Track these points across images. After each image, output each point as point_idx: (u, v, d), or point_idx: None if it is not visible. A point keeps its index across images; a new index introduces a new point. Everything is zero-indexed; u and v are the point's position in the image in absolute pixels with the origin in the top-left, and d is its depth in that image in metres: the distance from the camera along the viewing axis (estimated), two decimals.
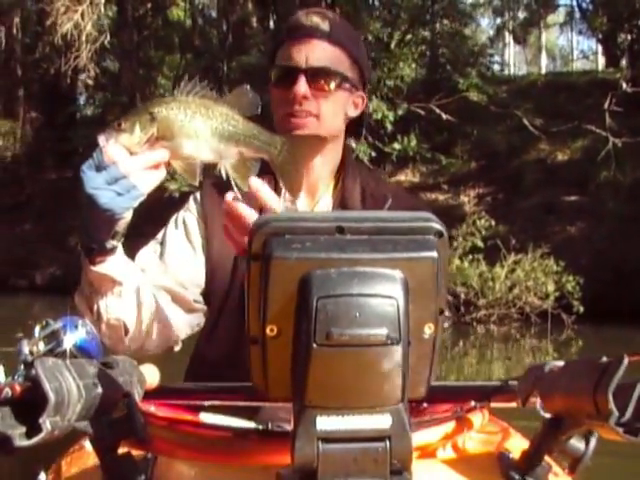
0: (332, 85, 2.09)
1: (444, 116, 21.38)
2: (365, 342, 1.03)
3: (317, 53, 2.09)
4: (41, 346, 1.37)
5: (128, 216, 1.69)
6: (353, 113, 2.21)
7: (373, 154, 21.16)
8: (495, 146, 22.36)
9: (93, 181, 1.59)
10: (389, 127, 20.93)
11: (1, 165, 27.31)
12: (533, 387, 1.38)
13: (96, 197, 1.59)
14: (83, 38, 20.24)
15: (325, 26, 2.11)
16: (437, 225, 1.10)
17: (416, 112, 21.74)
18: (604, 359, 1.18)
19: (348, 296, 1.03)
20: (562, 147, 22.91)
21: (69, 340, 1.39)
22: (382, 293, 1.04)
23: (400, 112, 21.28)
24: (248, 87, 1.72)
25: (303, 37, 2.10)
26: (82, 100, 31.47)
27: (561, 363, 1.36)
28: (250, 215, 1.59)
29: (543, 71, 35.91)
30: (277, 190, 2.05)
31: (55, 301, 11.17)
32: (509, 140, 22.50)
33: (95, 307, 1.84)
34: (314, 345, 1.02)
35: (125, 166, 1.59)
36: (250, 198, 1.64)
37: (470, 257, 16.69)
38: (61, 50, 21.75)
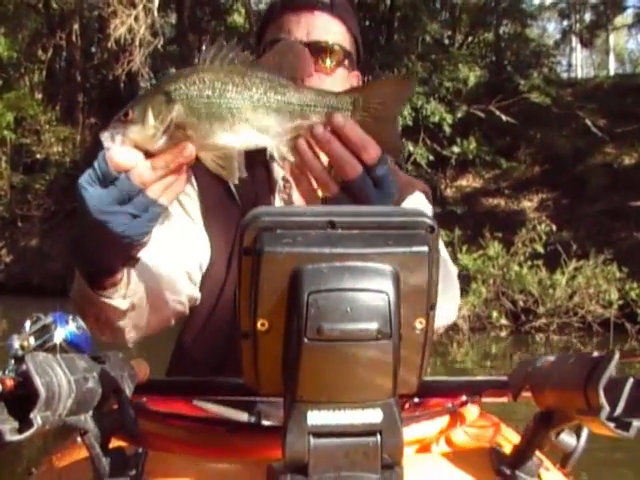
0: (334, 62, 1.92)
1: (504, 118, 21.22)
2: (356, 337, 1.03)
3: (319, 26, 1.91)
4: (31, 341, 1.37)
5: (148, 239, 1.34)
6: None
7: (431, 158, 21.11)
8: (559, 150, 22.08)
9: (99, 201, 1.23)
10: (447, 130, 20.83)
11: (61, 171, 27.71)
12: (524, 382, 1.37)
13: (106, 223, 1.23)
14: (137, 42, 20.47)
15: None
16: (428, 220, 1.09)
17: (476, 115, 21.62)
18: (595, 354, 1.16)
19: (339, 291, 1.03)
20: (629, 151, 22.63)
21: (59, 335, 1.38)
22: (373, 288, 1.04)
23: (459, 115, 21.17)
24: (293, 40, 1.41)
25: (303, 9, 1.92)
26: None
27: (552, 358, 1.34)
28: (373, 146, 1.32)
29: (611, 74, 35.35)
30: (270, 180, 1.99)
31: None
32: (574, 144, 22.22)
33: (95, 316, 1.55)
34: (305, 340, 1.02)
35: (139, 175, 1.23)
36: None
37: (529, 263, 16.47)
38: (118, 55, 22.07)
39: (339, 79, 1.93)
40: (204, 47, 1.29)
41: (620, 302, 15.83)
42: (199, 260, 1.90)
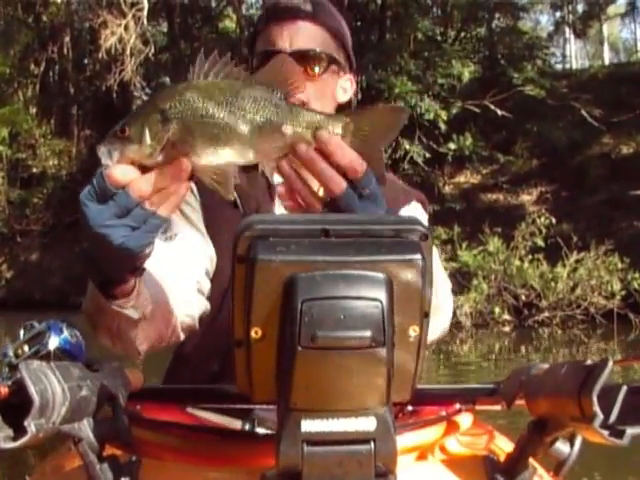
0: (319, 69, 1.96)
1: (499, 112, 21.17)
2: (350, 345, 1.02)
3: (301, 35, 1.95)
4: (25, 348, 1.36)
5: (150, 250, 1.34)
6: (342, 98, 2.08)
7: (427, 155, 21.09)
8: (556, 142, 22.02)
9: (99, 216, 1.25)
10: (443, 127, 20.80)
11: (57, 184, 27.67)
12: (518, 389, 1.37)
13: (106, 237, 1.25)
14: (128, 52, 20.43)
15: (308, 6, 1.98)
16: (422, 228, 1.09)
17: (471, 110, 21.58)
18: (589, 362, 1.17)
19: (333, 299, 1.03)
20: (626, 140, 22.63)
21: (53, 342, 1.37)
22: (367, 295, 1.04)
23: (454, 111, 21.14)
24: (287, 56, 1.40)
25: (285, 19, 1.96)
26: None
27: (546, 365, 1.35)
28: (359, 163, 1.30)
29: (606, 64, 35.32)
30: (270, 190, 1.99)
31: None
32: (571, 135, 22.17)
33: (107, 327, 1.54)
34: (299, 348, 1.02)
35: (137, 190, 1.24)
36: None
37: (530, 257, 16.44)
38: (110, 65, 22.02)
39: (327, 85, 1.99)
40: (198, 60, 1.28)
41: (623, 293, 15.88)
42: (205, 268, 1.91)
